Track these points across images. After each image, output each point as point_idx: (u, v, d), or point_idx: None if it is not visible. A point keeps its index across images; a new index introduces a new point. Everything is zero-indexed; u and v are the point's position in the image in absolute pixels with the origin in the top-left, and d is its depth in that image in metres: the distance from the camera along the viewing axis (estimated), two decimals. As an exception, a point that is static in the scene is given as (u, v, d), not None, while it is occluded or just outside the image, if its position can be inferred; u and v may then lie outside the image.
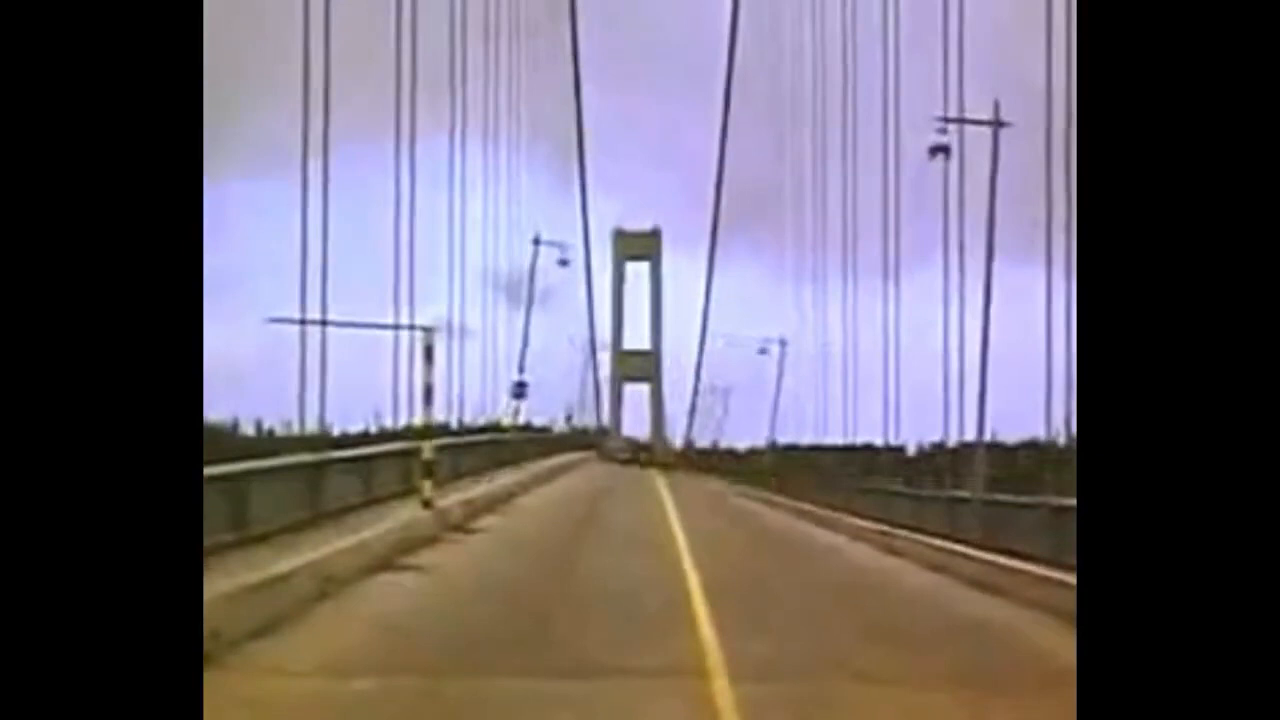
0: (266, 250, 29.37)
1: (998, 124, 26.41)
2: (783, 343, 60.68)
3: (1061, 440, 24.84)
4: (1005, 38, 29.81)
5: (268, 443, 27.21)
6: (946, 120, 28.30)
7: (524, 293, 49.86)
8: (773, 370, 63.68)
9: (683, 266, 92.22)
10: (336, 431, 29.35)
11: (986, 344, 26.19)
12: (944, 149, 28.02)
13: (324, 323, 25.32)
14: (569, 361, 77.13)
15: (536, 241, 48.07)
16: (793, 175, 53.35)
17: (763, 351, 64.93)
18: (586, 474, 52.67)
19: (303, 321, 24.79)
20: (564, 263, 51.03)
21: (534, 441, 51.52)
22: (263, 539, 16.85)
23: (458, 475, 33.17)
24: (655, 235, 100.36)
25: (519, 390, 49.45)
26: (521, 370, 49.51)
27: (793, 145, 53.34)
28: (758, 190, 63.35)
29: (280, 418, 27.08)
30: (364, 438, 32.72)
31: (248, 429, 33.04)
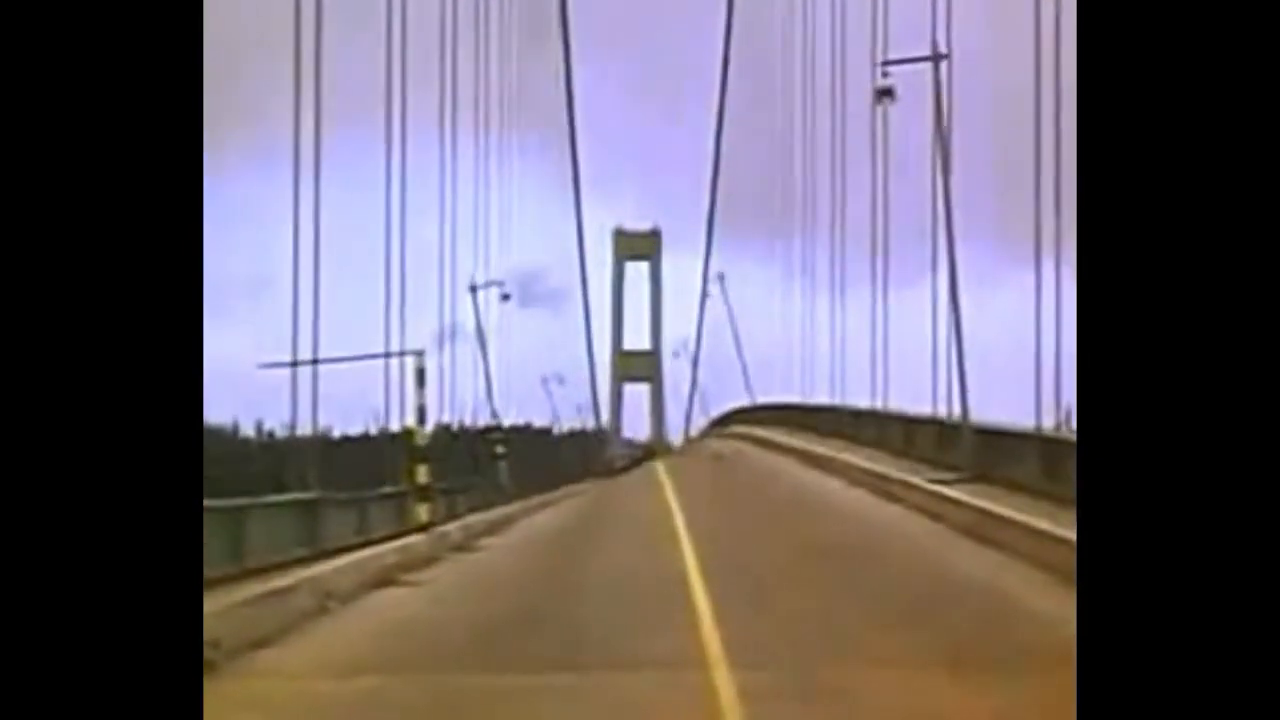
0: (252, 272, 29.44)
1: (936, 58, 26.43)
2: (721, 277, 67.40)
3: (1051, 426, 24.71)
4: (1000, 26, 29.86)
5: (267, 445, 27.18)
6: (888, 63, 28.44)
7: (480, 339, 50.03)
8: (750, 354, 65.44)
9: (683, 266, 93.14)
10: (336, 434, 29.34)
11: (958, 308, 26.04)
12: (888, 92, 28.10)
13: (315, 361, 25.42)
14: (571, 362, 77.55)
15: (473, 289, 48.08)
16: (787, 171, 54.02)
17: (707, 296, 68.41)
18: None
19: (294, 364, 24.89)
20: (506, 297, 51.23)
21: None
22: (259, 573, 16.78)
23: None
24: (655, 235, 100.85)
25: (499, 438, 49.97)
26: (494, 416, 49.84)
27: (786, 140, 53.96)
28: (753, 187, 64.21)
29: (280, 420, 27.06)
30: (364, 439, 32.73)
31: (248, 431, 33.17)
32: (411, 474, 25.30)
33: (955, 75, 26.97)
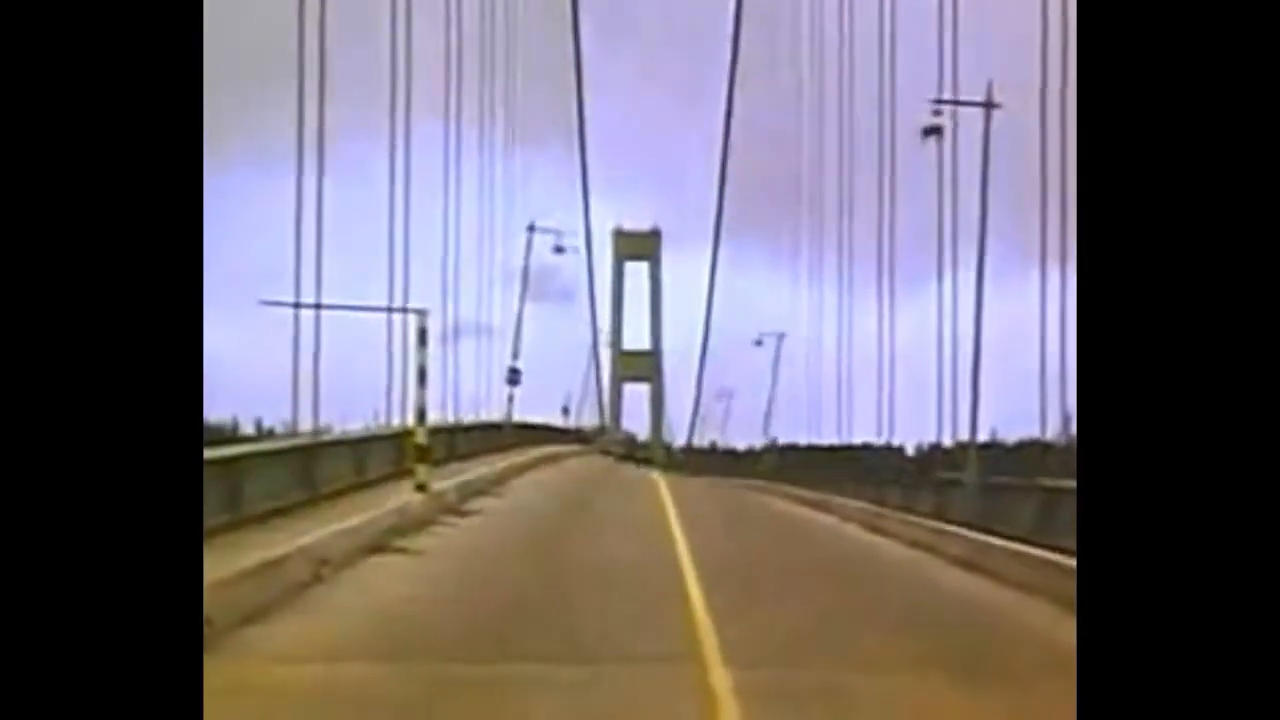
0: (256, 239, 29.41)
1: (989, 105, 26.16)
2: (780, 336, 62.69)
3: (1058, 437, 24.73)
4: (1003, 27, 29.65)
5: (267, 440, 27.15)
6: (939, 102, 28.05)
7: (524, 280, 49.95)
8: (771, 372, 64.65)
9: (683, 266, 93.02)
10: (336, 431, 29.31)
11: (979, 334, 26.04)
12: (937, 130, 27.79)
13: (318, 306, 25.26)
14: (572, 358, 78.15)
15: (531, 228, 48.10)
16: (795, 172, 53.52)
17: (758, 343, 65.76)
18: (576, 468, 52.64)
19: (296, 305, 24.74)
20: (559, 250, 51.12)
21: (528, 431, 51.70)
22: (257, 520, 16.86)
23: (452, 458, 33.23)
24: (655, 235, 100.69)
25: (513, 377, 49.68)
26: (516, 357, 49.74)
27: (793, 143, 53.47)
28: (759, 189, 63.77)
29: (279, 417, 27.08)
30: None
31: (247, 428, 33.10)
32: (411, 433, 25.43)
33: (961, 80, 26.89)
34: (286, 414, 24.87)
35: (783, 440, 60.47)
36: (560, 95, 69.76)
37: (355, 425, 30.61)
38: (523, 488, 34.53)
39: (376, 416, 30.33)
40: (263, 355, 25.28)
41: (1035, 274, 25.57)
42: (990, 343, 26.70)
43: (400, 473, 25.75)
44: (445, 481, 26.67)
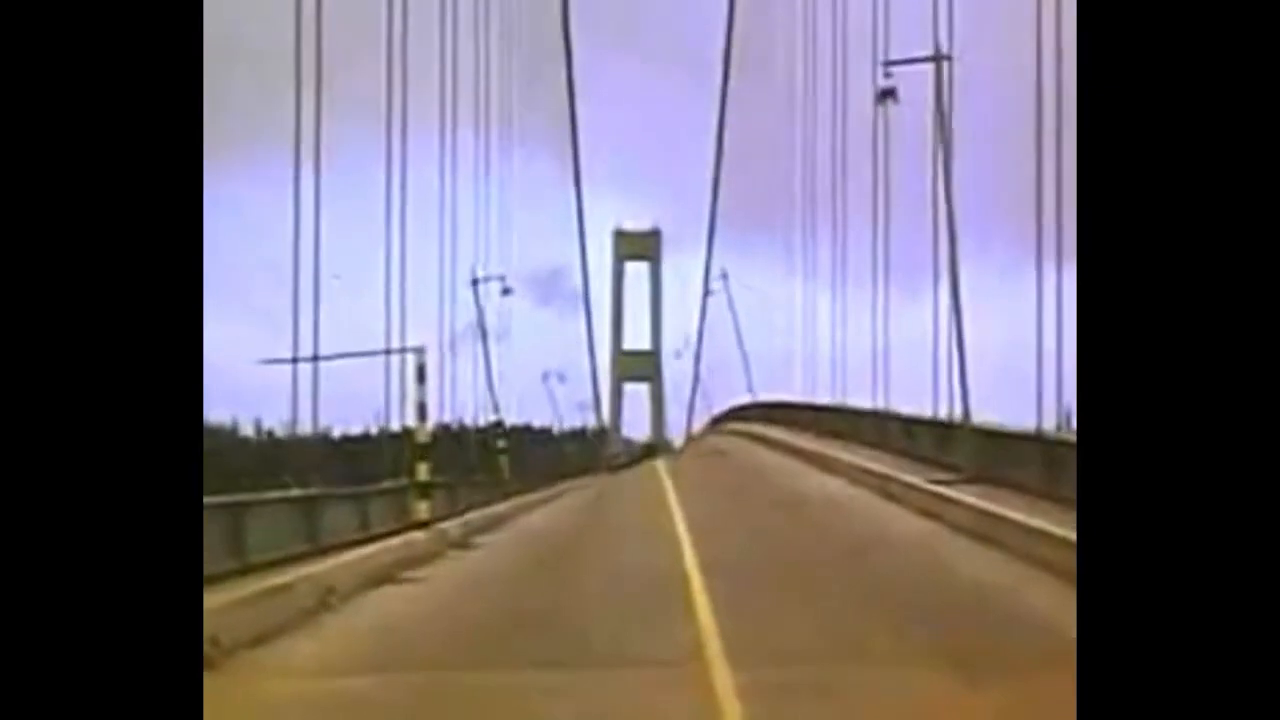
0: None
1: (939, 59, 26.17)
2: (725, 275, 71.62)
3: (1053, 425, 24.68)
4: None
5: (268, 447, 27.21)
6: (891, 63, 28.12)
7: (482, 334, 50.24)
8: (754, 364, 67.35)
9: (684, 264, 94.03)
10: (337, 434, 29.44)
11: (959, 305, 25.97)
12: (891, 93, 27.87)
13: (315, 358, 25.41)
14: (573, 359, 78.98)
15: (475, 282, 48.20)
16: (789, 168, 54.01)
17: (709, 293, 73.34)
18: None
19: (295, 360, 24.89)
20: (507, 291, 51.46)
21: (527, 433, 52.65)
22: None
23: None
24: (655, 235, 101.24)
25: (499, 429, 50.60)
26: (496, 410, 50.48)
27: (788, 136, 53.93)
28: (756, 184, 64.68)
29: (280, 420, 27.15)
30: (364, 439, 32.85)
31: (247, 430, 33.26)
32: (412, 471, 25.36)
33: (962, 75, 26.89)
34: (286, 414, 24.88)
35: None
36: (556, 97, 70.90)
37: (355, 428, 30.86)
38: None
39: (378, 418, 30.49)
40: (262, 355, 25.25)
41: (1033, 259, 25.56)
42: (995, 336, 26.67)
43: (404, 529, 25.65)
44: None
